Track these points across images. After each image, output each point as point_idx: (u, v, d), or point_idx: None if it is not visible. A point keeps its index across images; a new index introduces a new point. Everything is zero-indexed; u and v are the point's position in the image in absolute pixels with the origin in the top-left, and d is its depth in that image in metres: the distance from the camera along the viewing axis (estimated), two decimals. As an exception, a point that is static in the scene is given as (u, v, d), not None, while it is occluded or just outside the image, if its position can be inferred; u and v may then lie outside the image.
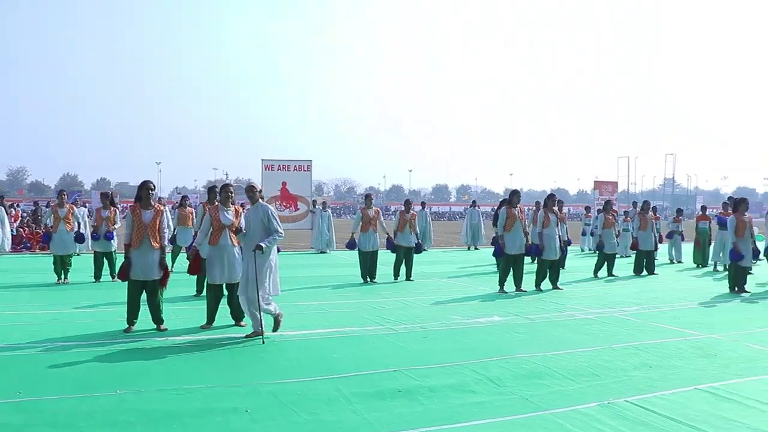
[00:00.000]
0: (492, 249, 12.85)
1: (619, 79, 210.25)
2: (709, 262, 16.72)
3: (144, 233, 7.39)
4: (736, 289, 11.40)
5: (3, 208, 16.80)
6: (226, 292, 7.91)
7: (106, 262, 12.28)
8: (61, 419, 4.41)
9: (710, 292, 11.64)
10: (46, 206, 22.54)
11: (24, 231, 20.55)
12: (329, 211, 22.34)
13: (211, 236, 7.76)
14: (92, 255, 12.65)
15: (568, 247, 14.15)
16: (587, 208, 24.33)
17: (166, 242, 7.72)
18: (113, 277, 12.10)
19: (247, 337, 7.15)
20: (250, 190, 7.36)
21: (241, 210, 7.97)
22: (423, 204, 24.28)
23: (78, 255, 14.63)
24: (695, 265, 16.92)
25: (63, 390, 5.07)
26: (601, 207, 16.07)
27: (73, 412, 4.53)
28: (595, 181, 38.82)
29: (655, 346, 6.90)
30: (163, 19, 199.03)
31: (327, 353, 6.46)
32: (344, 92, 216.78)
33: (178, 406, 4.72)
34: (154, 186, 7.71)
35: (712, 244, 16.52)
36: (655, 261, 15.09)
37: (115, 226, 12.27)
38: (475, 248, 22.90)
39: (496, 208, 14.35)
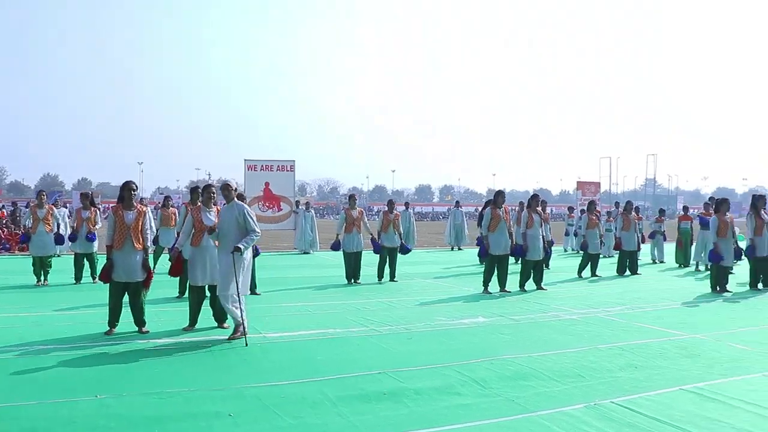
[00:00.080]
0: (477, 249, 12.85)
1: (600, 79, 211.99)
2: (691, 261, 16.85)
3: (126, 234, 7.29)
4: (718, 288, 11.48)
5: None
6: (208, 294, 7.82)
7: (87, 263, 12.13)
8: (39, 425, 4.31)
9: (692, 291, 11.72)
10: (26, 207, 22.25)
11: (2, 232, 20.26)
12: (312, 211, 22.31)
13: (193, 237, 7.68)
14: (72, 256, 12.49)
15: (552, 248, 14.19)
16: (570, 209, 24.50)
17: (149, 243, 7.63)
18: (94, 279, 11.98)
19: (230, 338, 7.07)
20: (226, 188, 7.29)
21: (223, 211, 7.89)
22: (407, 204, 24.28)
23: (58, 256, 14.45)
24: (677, 265, 17.04)
25: (41, 395, 4.96)
26: (584, 207, 16.14)
27: (52, 418, 4.44)
28: (577, 182, 39.20)
29: (639, 346, 6.91)
30: (145, 19, 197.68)
31: (311, 355, 6.40)
32: (327, 92, 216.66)
33: (160, 410, 4.63)
34: (136, 186, 7.61)
35: (694, 244, 16.65)
36: (638, 261, 15.17)
37: (96, 227, 12.12)
38: (459, 248, 22.93)
39: (481, 208, 14.35)
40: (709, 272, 12.80)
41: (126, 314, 7.41)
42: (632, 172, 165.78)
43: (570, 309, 9.46)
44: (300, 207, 22.25)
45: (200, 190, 8.33)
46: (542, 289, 11.64)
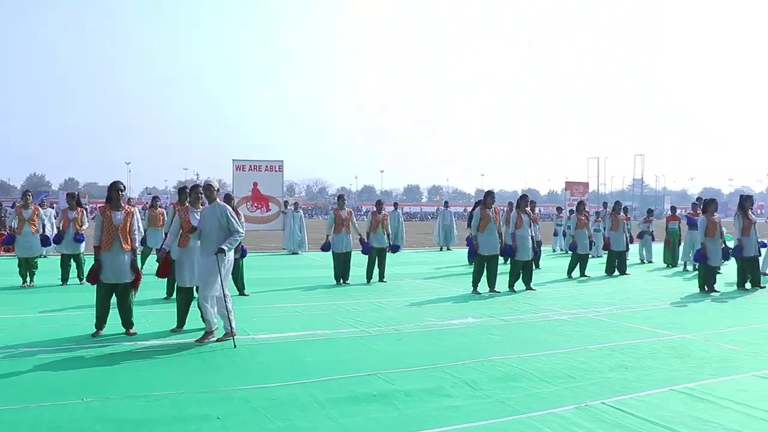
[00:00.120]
0: (467, 250, 12.84)
1: (589, 81, 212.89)
2: (679, 261, 16.93)
3: (114, 235, 7.22)
4: (706, 288, 11.53)
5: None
6: (196, 295, 7.76)
7: (73, 264, 12.02)
8: (23, 429, 4.25)
9: (681, 291, 11.76)
10: (11, 207, 22.01)
11: (-13, 233, 20.03)
12: (301, 211, 22.23)
13: (181, 238, 7.62)
14: (59, 257, 12.37)
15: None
16: (559, 209, 24.58)
17: (137, 244, 7.56)
18: (81, 280, 11.86)
19: (218, 340, 7.02)
20: (208, 188, 7.22)
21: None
22: (396, 205, 24.27)
23: (45, 257, 14.31)
24: (665, 265, 17.10)
25: (26, 398, 4.88)
26: (573, 207, 16.17)
27: (37, 422, 4.37)
28: (566, 182, 39.34)
29: (629, 346, 6.92)
30: (133, 18, 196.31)
31: (300, 357, 6.36)
32: (315, 92, 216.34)
33: (148, 413, 4.58)
34: (124, 186, 7.54)
35: (682, 244, 16.73)
36: (627, 261, 15.22)
37: (83, 228, 12.02)
38: (448, 249, 22.93)
39: (470, 209, 14.35)
40: (697, 272, 12.85)
41: (113, 316, 7.33)
42: (620, 172, 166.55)
43: (559, 309, 9.46)
44: (288, 207, 22.18)
45: (188, 191, 8.26)
46: (531, 289, 11.64)
